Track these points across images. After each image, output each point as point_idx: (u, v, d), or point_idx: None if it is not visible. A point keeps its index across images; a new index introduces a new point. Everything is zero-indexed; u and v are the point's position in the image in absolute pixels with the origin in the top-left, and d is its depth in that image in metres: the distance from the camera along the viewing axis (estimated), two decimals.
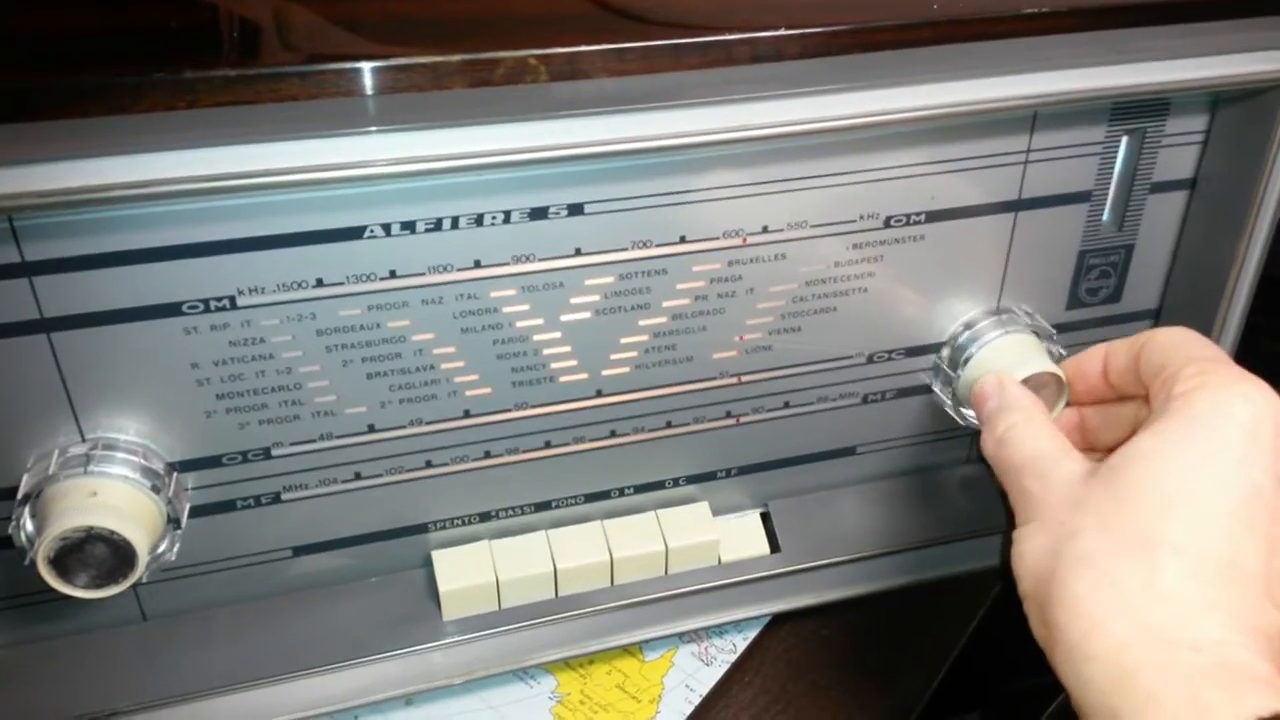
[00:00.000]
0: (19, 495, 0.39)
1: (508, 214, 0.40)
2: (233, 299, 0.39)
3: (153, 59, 0.34)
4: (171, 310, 0.38)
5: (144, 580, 0.39)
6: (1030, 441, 0.37)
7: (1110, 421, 0.41)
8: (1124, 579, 0.31)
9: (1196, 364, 0.35)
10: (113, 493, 0.39)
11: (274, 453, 0.43)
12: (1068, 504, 0.34)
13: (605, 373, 0.45)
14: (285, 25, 0.37)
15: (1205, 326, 0.50)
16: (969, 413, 0.48)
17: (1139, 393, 0.38)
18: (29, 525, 0.39)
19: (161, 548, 0.41)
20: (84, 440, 0.40)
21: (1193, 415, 0.33)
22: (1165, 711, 0.29)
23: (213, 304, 0.39)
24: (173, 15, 0.37)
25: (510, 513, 0.48)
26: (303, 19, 0.38)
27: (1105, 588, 0.31)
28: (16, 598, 0.43)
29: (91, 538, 0.38)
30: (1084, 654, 0.30)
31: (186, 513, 0.42)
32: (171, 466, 0.41)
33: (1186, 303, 0.51)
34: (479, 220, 0.40)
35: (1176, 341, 0.37)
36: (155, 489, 0.40)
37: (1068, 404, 0.43)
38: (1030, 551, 0.34)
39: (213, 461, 0.42)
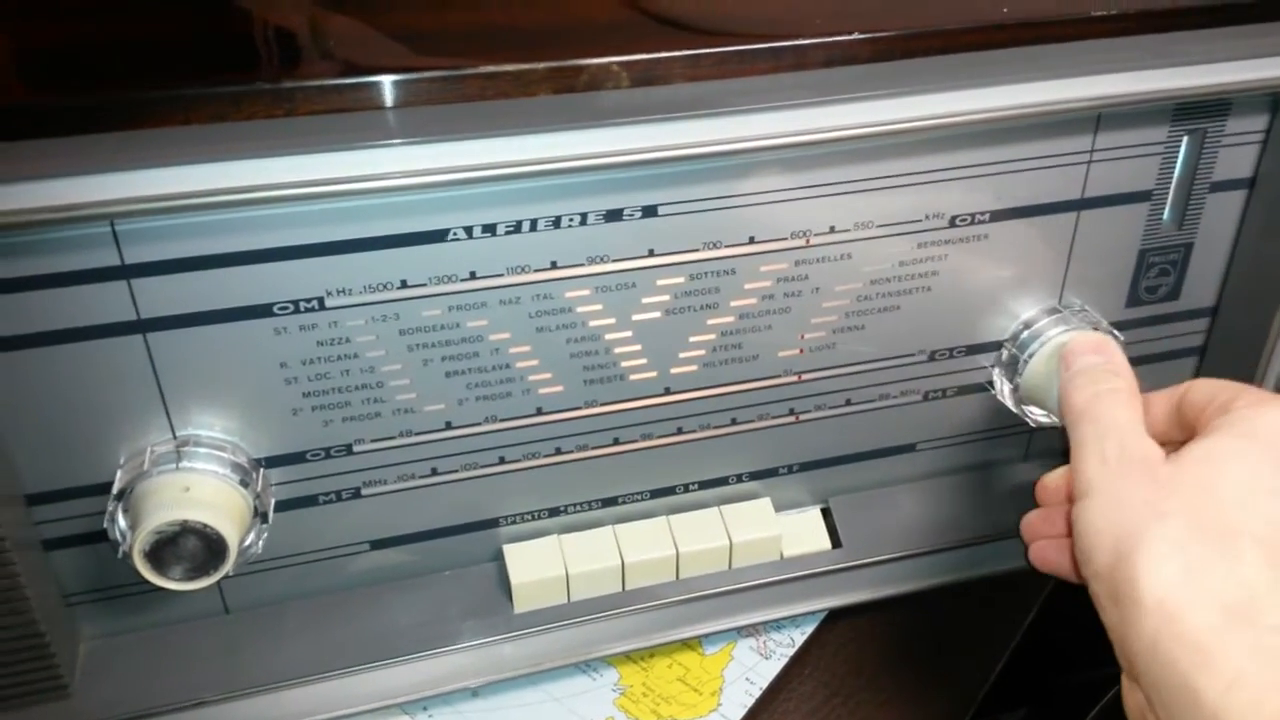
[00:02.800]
0: (114, 490, 0.40)
1: (584, 216, 0.41)
2: (321, 300, 0.40)
3: (253, 68, 0.35)
4: (263, 311, 0.40)
5: (230, 573, 0.41)
6: (1124, 409, 0.38)
7: None
8: (1209, 565, 0.32)
9: (1252, 392, 0.37)
10: (205, 488, 0.40)
11: (355, 449, 0.44)
12: (1150, 484, 0.34)
13: (674, 371, 0.46)
14: (375, 36, 0.38)
15: (1263, 324, 0.50)
16: (1031, 409, 0.49)
17: (1174, 439, 0.39)
18: (122, 520, 0.40)
19: (249, 541, 0.42)
20: (175, 437, 0.41)
21: (1263, 424, 0.35)
22: (1250, 691, 0.30)
23: (302, 305, 0.40)
24: (268, 26, 0.38)
25: (578, 508, 0.49)
26: (391, 29, 0.39)
27: (1195, 572, 0.32)
28: (106, 590, 0.45)
29: (185, 531, 0.39)
30: (1171, 633, 0.31)
31: (273, 507, 0.43)
32: (258, 462, 0.43)
33: (1244, 301, 0.51)
34: (556, 222, 0.41)
35: (1222, 382, 0.38)
36: (244, 484, 0.41)
37: None
38: (1108, 527, 0.34)
39: (297, 458, 0.43)
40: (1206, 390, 0.38)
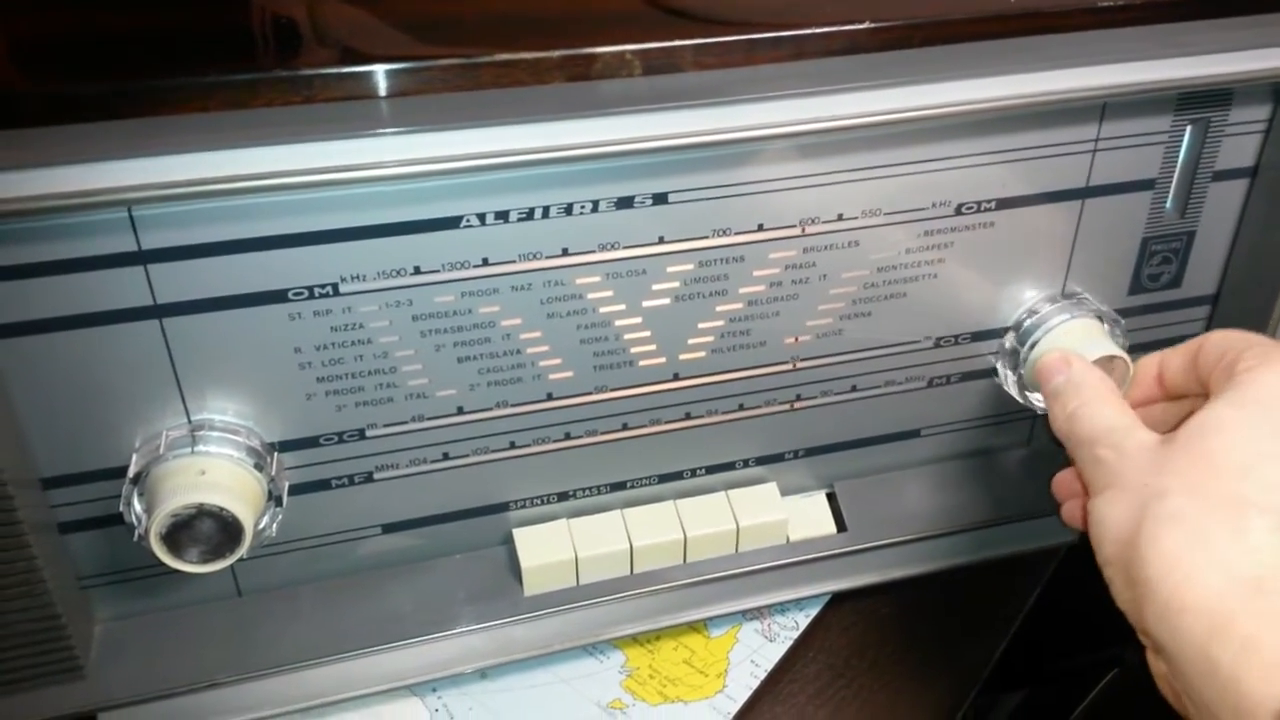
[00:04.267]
0: (129, 474, 0.41)
1: (595, 203, 0.42)
2: (335, 286, 0.40)
3: (270, 56, 0.35)
4: (278, 297, 0.40)
5: (244, 556, 0.41)
6: (1101, 416, 0.39)
7: (1160, 419, 0.43)
8: (1214, 535, 0.33)
9: (1258, 347, 0.37)
10: (220, 471, 0.41)
11: (368, 434, 0.44)
12: (1148, 468, 0.35)
13: (682, 357, 0.47)
14: (390, 24, 0.39)
15: (1263, 311, 0.51)
16: (1034, 396, 0.50)
17: (1193, 392, 0.40)
18: (138, 504, 0.41)
19: (263, 524, 0.42)
20: (190, 421, 0.42)
21: (1262, 388, 0.36)
22: (1264, 655, 0.30)
23: (317, 291, 0.40)
24: (286, 15, 0.39)
25: (587, 492, 0.50)
26: (406, 17, 0.39)
27: (1197, 543, 0.33)
28: (120, 573, 0.45)
29: (201, 515, 0.40)
30: (1179, 606, 0.32)
31: (286, 490, 0.43)
32: (272, 446, 0.43)
33: (1245, 289, 0.52)
34: (568, 210, 0.42)
35: (1235, 335, 0.39)
36: (258, 467, 0.42)
37: None
38: (1113, 516, 0.35)
39: (310, 442, 0.44)
40: (1220, 343, 0.38)
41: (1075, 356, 0.43)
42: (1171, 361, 0.41)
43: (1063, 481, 0.44)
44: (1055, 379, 0.42)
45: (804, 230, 0.45)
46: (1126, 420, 0.38)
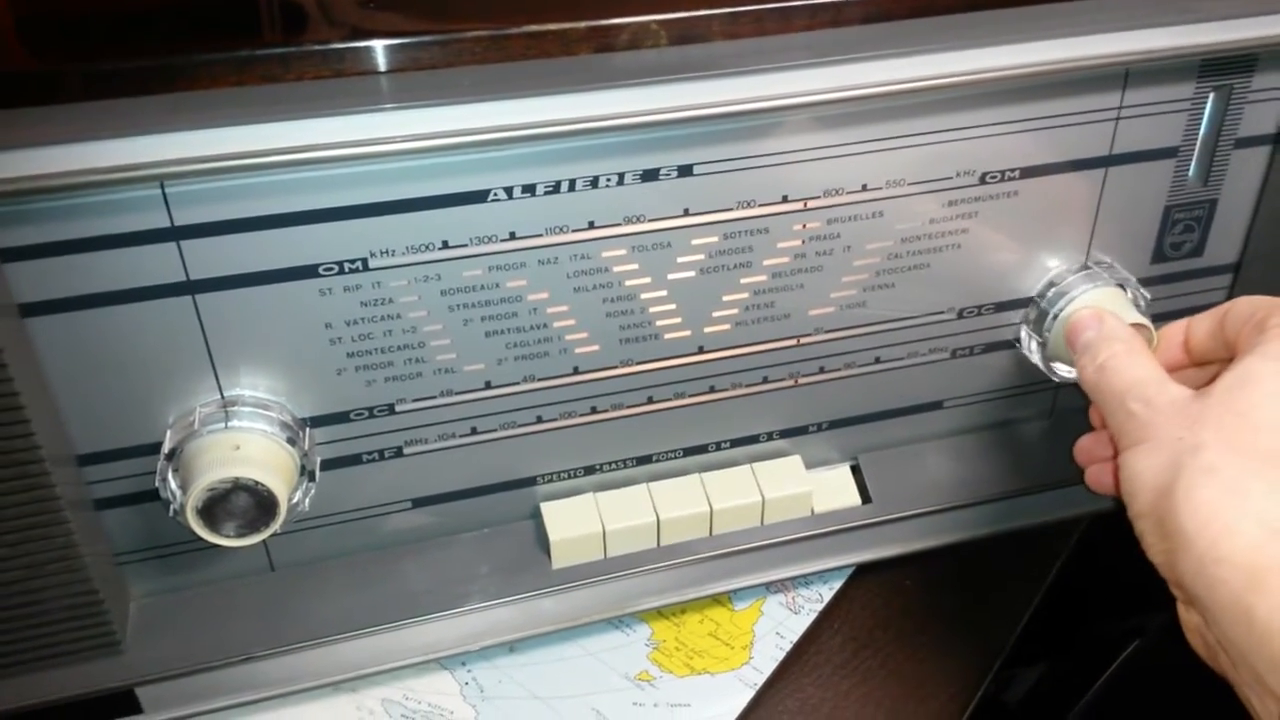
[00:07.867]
0: (164, 450, 0.41)
1: (621, 176, 0.42)
2: (365, 261, 0.41)
3: (301, 30, 0.36)
4: (308, 272, 0.40)
5: (277, 531, 0.41)
6: (1132, 369, 0.39)
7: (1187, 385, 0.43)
8: (1250, 487, 0.33)
9: None
10: (254, 446, 0.41)
11: (398, 409, 0.45)
12: (1182, 421, 0.35)
13: (707, 330, 0.47)
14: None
15: None
16: (1058, 366, 0.50)
17: (1219, 357, 0.40)
18: (173, 480, 0.41)
19: (297, 498, 0.43)
20: (223, 397, 0.42)
21: None
22: None
23: (347, 266, 0.41)
24: None
25: (613, 466, 0.50)
26: None
27: (1233, 495, 0.33)
28: (154, 549, 0.46)
29: (237, 489, 0.40)
30: (1216, 556, 0.32)
31: (319, 465, 0.44)
32: (304, 421, 0.43)
33: (1267, 257, 0.52)
34: (594, 182, 0.42)
35: (1263, 298, 0.39)
36: (291, 442, 0.42)
37: None
38: (1146, 469, 0.35)
39: (341, 417, 0.44)
40: (1247, 307, 0.39)
41: (1107, 312, 0.43)
42: (1198, 327, 0.42)
43: (1085, 447, 0.44)
44: (1086, 333, 0.43)
45: (828, 201, 0.45)
46: (1157, 374, 0.38)
